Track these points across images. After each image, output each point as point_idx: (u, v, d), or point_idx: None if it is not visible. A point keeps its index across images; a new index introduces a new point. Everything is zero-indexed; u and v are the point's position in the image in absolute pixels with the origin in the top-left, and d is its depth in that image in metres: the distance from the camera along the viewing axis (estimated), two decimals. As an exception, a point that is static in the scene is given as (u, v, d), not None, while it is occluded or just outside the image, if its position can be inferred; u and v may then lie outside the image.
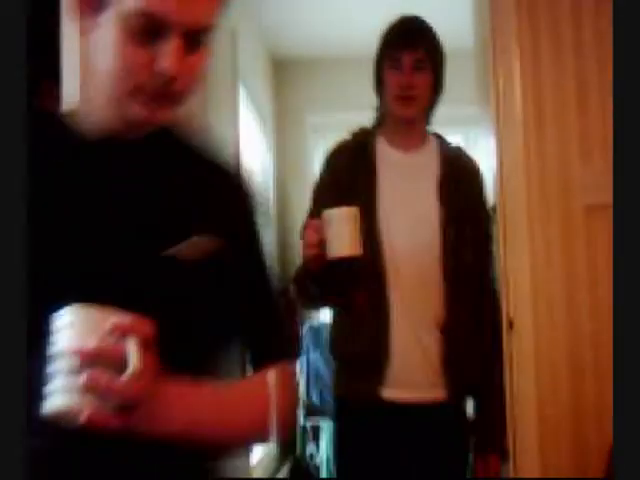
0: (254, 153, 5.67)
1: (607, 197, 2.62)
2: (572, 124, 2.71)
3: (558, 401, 2.65)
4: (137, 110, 1.17)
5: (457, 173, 2.65)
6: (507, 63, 2.81)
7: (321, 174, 2.73)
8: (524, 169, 2.73)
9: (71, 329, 1.02)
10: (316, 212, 2.53)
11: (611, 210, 2.62)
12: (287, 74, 6.80)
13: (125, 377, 1.01)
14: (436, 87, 2.68)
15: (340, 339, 2.65)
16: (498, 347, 2.67)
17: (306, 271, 2.44)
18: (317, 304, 2.88)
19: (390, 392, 2.51)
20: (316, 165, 6.86)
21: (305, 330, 5.89)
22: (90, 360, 1.00)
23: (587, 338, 2.65)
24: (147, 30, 1.12)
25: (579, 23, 2.73)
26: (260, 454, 5.17)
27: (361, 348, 2.54)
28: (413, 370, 2.51)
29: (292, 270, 2.58)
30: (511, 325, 2.68)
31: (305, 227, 2.32)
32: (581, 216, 2.68)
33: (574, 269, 2.67)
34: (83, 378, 0.99)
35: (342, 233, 2.19)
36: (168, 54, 1.13)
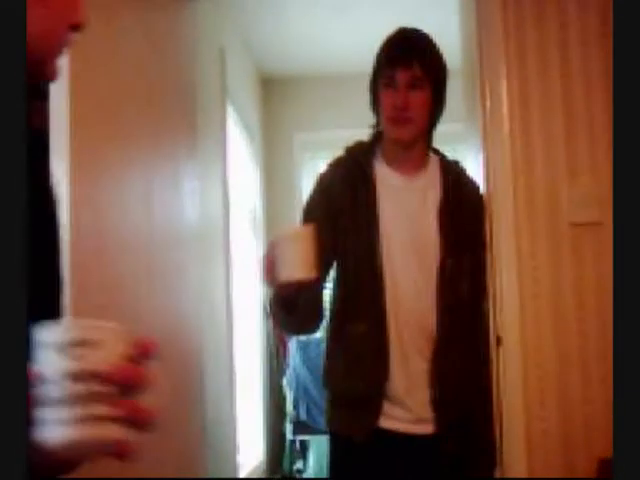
0: (242, 170, 5.70)
1: (594, 215, 2.67)
2: (559, 142, 2.73)
3: (546, 417, 2.67)
4: (57, 71, 1.16)
5: (458, 199, 2.52)
6: (494, 82, 2.82)
7: (313, 192, 2.58)
8: (511, 186, 2.74)
9: (98, 349, 0.89)
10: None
11: (597, 227, 2.67)
12: (275, 91, 6.84)
13: (152, 403, 0.93)
14: (436, 105, 2.50)
15: (335, 373, 2.53)
16: (489, 378, 2.63)
17: (275, 296, 2.33)
18: (290, 330, 2.73)
19: (388, 425, 2.42)
20: (304, 182, 6.89)
21: (293, 346, 5.89)
22: (124, 385, 0.90)
23: (575, 354, 2.67)
24: None
25: (566, 42, 2.76)
26: (248, 469, 5.17)
27: (360, 383, 2.43)
28: (412, 403, 2.43)
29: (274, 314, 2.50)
30: (499, 342, 2.69)
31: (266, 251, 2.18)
32: (568, 233, 2.69)
33: (561, 286, 2.69)
34: (120, 406, 0.89)
35: (291, 255, 2.06)
36: (84, 10, 1.16)
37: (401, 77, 2.43)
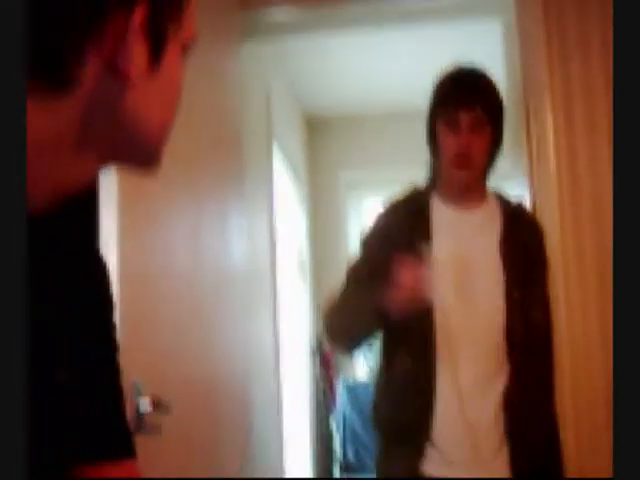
0: (288, 209, 5.71)
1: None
2: (606, 178, 2.71)
3: (596, 423, 2.60)
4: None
5: (519, 232, 2.47)
6: (540, 118, 2.81)
7: (373, 228, 2.55)
8: (558, 223, 2.73)
9: None
10: (364, 263, 2.46)
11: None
12: (320, 131, 6.88)
13: None
14: (495, 144, 2.46)
15: (381, 408, 2.47)
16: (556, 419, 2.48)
17: (379, 312, 2.24)
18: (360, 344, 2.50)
19: (433, 468, 2.31)
20: (350, 220, 6.91)
21: (341, 388, 5.87)
22: None
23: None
24: None
25: (611, 81, 2.74)
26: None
27: (402, 418, 2.37)
28: (459, 446, 2.31)
29: (328, 321, 2.50)
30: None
31: (400, 266, 2.14)
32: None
33: (609, 326, 2.64)
34: None
35: (451, 272, 2.18)
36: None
37: (464, 119, 2.37)
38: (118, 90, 0.89)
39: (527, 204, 2.81)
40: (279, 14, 3.34)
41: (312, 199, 6.71)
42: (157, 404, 1.94)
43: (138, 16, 0.86)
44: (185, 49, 0.97)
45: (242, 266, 3.05)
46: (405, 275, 2.13)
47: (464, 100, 2.39)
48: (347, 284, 2.49)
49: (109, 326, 1.16)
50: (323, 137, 6.89)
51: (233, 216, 2.96)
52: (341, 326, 2.49)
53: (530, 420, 2.36)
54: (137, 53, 0.87)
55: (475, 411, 2.33)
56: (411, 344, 2.39)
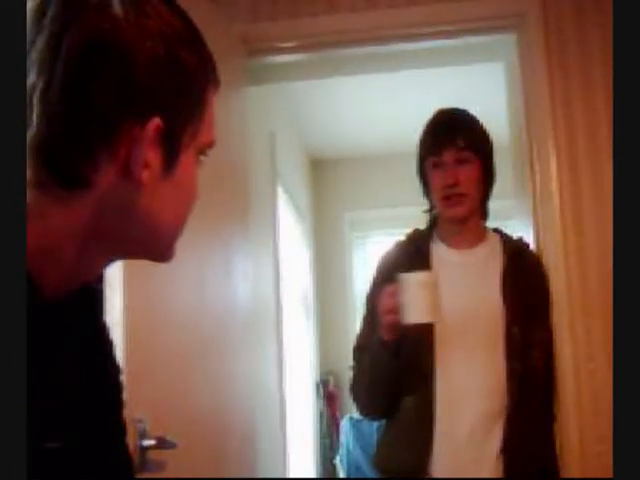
0: (293, 250, 5.73)
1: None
2: (610, 217, 2.72)
3: (604, 460, 2.59)
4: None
5: (521, 268, 2.47)
6: (543, 158, 2.83)
7: (375, 276, 2.57)
8: (563, 262, 2.73)
9: None
10: (370, 314, 2.46)
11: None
12: (324, 173, 6.92)
13: None
14: (486, 179, 2.48)
15: (383, 452, 2.49)
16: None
17: (380, 342, 2.27)
18: (389, 378, 2.40)
19: None
20: (355, 261, 6.92)
21: (346, 424, 5.84)
22: None
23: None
24: None
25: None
26: None
27: (401, 462, 2.38)
28: None
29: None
30: (554, 418, 2.64)
31: (382, 294, 2.21)
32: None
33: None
34: None
35: (420, 298, 2.11)
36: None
37: (447, 155, 2.41)
38: (132, 193, 0.94)
39: (531, 243, 2.82)
40: (284, 59, 3.38)
41: (317, 239, 6.73)
42: (162, 441, 1.96)
43: (152, 125, 0.92)
44: (201, 153, 1.03)
45: (247, 305, 3.07)
46: (384, 302, 2.19)
47: (446, 137, 2.43)
48: (362, 355, 2.48)
49: (116, 408, 1.11)
50: (327, 178, 6.92)
51: (238, 256, 2.98)
52: (368, 394, 2.48)
53: (529, 462, 2.34)
54: (151, 159, 0.93)
55: (474, 454, 2.32)
56: (412, 388, 2.39)
